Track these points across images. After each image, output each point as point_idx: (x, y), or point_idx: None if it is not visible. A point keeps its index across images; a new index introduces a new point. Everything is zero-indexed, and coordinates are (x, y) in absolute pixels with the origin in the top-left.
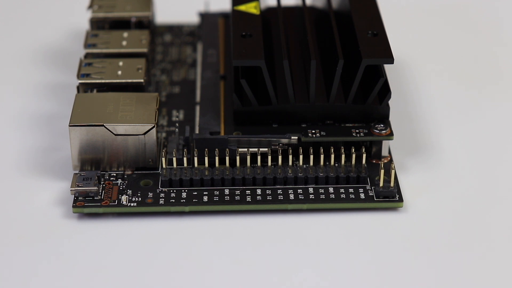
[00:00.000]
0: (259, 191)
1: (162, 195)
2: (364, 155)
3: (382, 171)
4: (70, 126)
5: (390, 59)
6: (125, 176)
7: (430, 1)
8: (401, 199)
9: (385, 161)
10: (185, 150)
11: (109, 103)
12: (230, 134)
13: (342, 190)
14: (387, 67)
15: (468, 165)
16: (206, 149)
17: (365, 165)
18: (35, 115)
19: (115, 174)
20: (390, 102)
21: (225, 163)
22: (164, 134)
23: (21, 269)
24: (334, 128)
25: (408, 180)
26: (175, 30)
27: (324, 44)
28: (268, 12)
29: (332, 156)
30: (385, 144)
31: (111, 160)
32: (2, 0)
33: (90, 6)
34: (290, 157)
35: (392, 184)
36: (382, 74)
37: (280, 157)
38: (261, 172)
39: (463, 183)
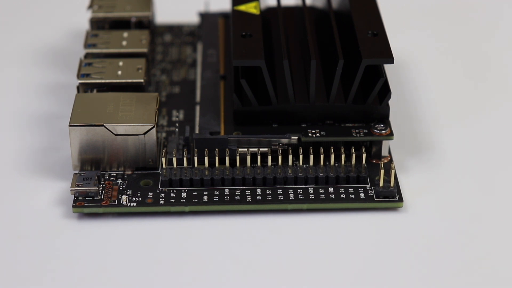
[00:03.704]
0: (259, 191)
1: (162, 195)
2: (364, 155)
3: (382, 171)
4: (70, 126)
5: (390, 59)
6: (125, 176)
7: (430, 1)
8: (401, 199)
9: (385, 161)
10: (185, 150)
11: (109, 103)
12: (230, 134)
13: (342, 190)
14: (387, 67)
15: (468, 165)
16: (206, 149)
17: (365, 165)
18: (35, 115)
19: (115, 174)
20: (390, 102)
21: (225, 163)
22: (164, 134)
23: (21, 269)
24: (334, 128)
25: (408, 180)
26: (175, 30)
27: (324, 44)
28: (268, 12)
29: (332, 156)
30: (385, 144)
31: (111, 160)
32: (2, 0)
33: (90, 6)
34: (290, 157)
35: (392, 184)
36: (382, 74)
37: (280, 157)
38: (261, 172)
39: (463, 183)
